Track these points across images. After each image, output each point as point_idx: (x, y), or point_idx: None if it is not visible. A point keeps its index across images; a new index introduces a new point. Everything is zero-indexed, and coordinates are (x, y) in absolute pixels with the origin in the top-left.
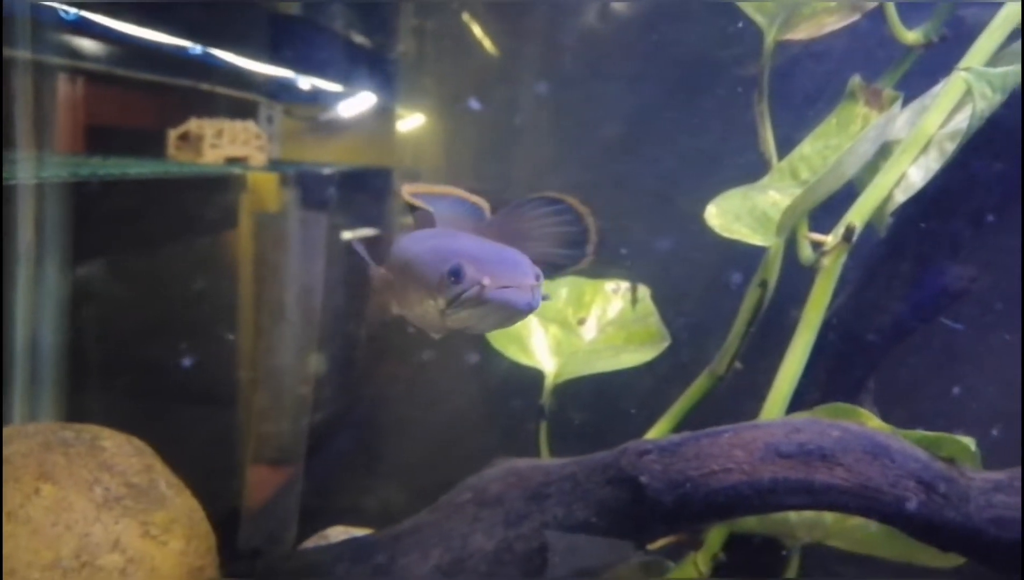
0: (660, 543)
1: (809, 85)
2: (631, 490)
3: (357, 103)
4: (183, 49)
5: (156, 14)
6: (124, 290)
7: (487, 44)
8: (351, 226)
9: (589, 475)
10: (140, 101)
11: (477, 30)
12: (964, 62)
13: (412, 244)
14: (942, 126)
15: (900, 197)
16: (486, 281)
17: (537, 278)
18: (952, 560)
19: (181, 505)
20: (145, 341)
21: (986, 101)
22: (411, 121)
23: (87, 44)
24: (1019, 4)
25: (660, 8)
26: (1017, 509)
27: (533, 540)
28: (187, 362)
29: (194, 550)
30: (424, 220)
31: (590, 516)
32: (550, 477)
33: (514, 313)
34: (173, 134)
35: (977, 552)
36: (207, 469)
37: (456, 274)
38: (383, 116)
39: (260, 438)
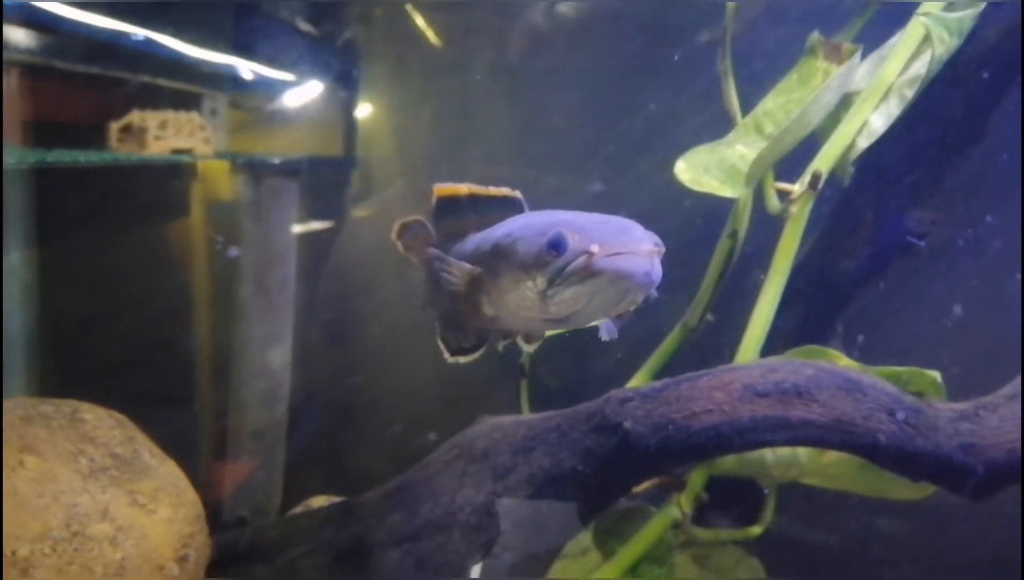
0: (644, 486)
1: (769, 45)
2: (616, 436)
3: (304, 92)
4: (123, 39)
5: (96, 4)
6: (82, 274)
7: (435, 31)
8: (302, 215)
9: (574, 425)
10: (79, 95)
11: (424, 17)
12: (922, 8)
13: (499, 227)
14: (902, 73)
15: (863, 144)
16: (594, 248)
17: (656, 244)
18: (922, 492)
19: (166, 474)
20: (111, 322)
21: (944, 45)
22: (359, 109)
23: (21, 35)
24: None
25: None
26: (983, 436)
27: (521, 490)
28: (153, 342)
29: (182, 517)
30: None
31: (576, 464)
32: (535, 430)
33: (631, 286)
34: (115, 126)
35: (946, 478)
36: (182, 448)
37: (557, 245)
38: (330, 105)
39: (229, 419)
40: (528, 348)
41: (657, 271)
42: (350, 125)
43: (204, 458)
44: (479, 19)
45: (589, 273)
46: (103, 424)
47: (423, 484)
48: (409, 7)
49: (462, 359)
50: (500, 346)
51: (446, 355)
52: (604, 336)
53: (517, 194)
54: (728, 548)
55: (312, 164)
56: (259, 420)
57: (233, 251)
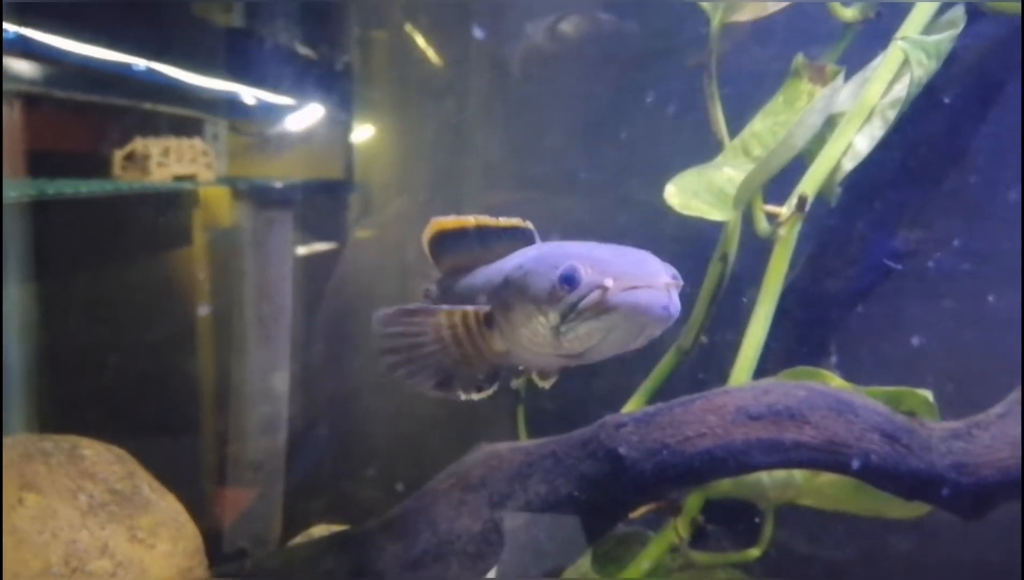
0: (641, 511)
1: (756, 67)
2: (611, 461)
3: (304, 116)
4: (125, 68)
5: (98, 31)
6: (83, 304)
7: (435, 52)
8: (304, 239)
9: (569, 451)
10: (82, 123)
11: (421, 40)
12: (901, 32)
13: (511, 258)
14: (884, 95)
15: (848, 165)
16: (608, 282)
17: (674, 277)
18: (917, 511)
19: (166, 508)
20: (112, 351)
21: (923, 68)
22: (359, 133)
23: (25, 66)
24: None
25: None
26: (976, 455)
27: (518, 518)
28: (152, 372)
29: (181, 551)
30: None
31: (572, 490)
32: (531, 457)
33: (648, 322)
34: (119, 154)
35: (940, 498)
36: (182, 479)
37: (570, 279)
38: (330, 129)
39: (228, 449)
40: (543, 384)
41: (675, 305)
42: (350, 148)
43: (205, 488)
44: (479, 42)
45: (604, 308)
46: (103, 459)
47: (420, 513)
48: (409, 28)
49: (476, 396)
50: (513, 383)
51: (459, 393)
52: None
53: (528, 225)
54: (727, 570)
55: (312, 187)
56: (258, 449)
57: (204, 309)
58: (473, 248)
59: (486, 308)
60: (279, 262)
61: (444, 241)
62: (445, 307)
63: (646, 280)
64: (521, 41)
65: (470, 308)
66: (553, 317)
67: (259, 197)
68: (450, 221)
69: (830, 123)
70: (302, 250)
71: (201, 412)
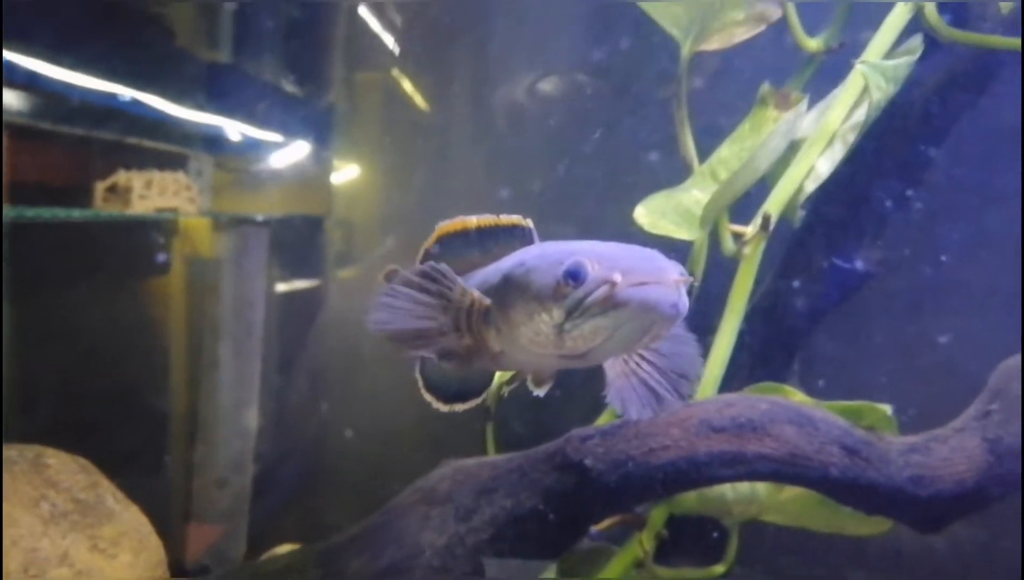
0: (605, 524)
1: (726, 97)
2: (576, 474)
3: (288, 153)
4: (110, 99)
5: (82, 62)
6: (60, 329)
7: (416, 95)
8: (283, 272)
9: (535, 465)
10: (66, 155)
11: (407, 83)
12: (861, 59)
13: (509, 258)
14: (845, 120)
15: (810, 187)
16: (617, 277)
17: (682, 274)
18: (878, 527)
19: (129, 519)
20: (85, 372)
21: (881, 92)
22: (343, 170)
23: (8, 96)
24: (907, 5)
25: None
26: (933, 468)
27: (483, 532)
28: (129, 390)
29: (143, 562)
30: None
31: (538, 503)
32: (497, 471)
33: (657, 319)
34: (101, 186)
35: (898, 510)
36: (148, 494)
37: (576, 274)
38: (315, 166)
39: (195, 467)
40: (538, 391)
41: (684, 302)
42: (333, 186)
43: (171, 504)
44: (463, 85)
45: (611, 304)
46: (67, 469)
47: (386, 528)
48: (396, 71)
49: (459, 407)
50: (504, 391)
51: (438, 405)
52: (631, 414)
53: (527, 223)
54: None
55: (293, 223)
56: (224, 467)
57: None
58: (471, 251)
59: (487, 301)
60: (254, 289)
61: (442, 246)
62: (461, 282)
63: (655, 276)
64: (504, 98)
65: (477, 294)
66: (557, 314)
67: (237, 229)
68: (453, 223)
69: (794, 147)
70: (281, 283)
71: (171, 429)
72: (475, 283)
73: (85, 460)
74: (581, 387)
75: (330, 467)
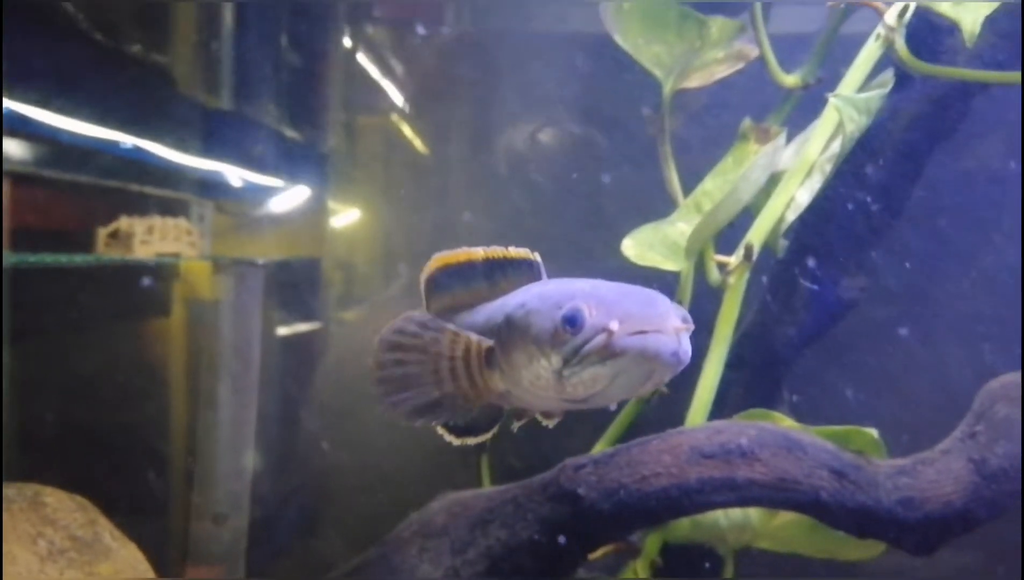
0: (600, 552)
1: (710, 134)
2: (570, 503)
3: (289, 198)
4: (111, 147)
5: (84, 110)
6: (59, 374)
7: (416, 139)
8: (282, 314)
9: (530, 496)
10: (68, 203)
11: (406, 128)
12: (836, 92)
13: (514, 295)
14: (823, 151)
15: (791, 217)
16: (614, 325)
17: (684, 320)
18: (871, 551)
19: (126, 556)
20: (84, 417)
21: (854, 123)
22: (343, 214)
23: (11, 144)
24: (879, 41)
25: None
26: (921, 490)
27: (479, 564)
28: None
29: None
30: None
31: (533, 534)
32: (493, 503)
33: (657, 368)
34: (103, 232)
35: (889, 533)
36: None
37: (573, 320)
38: (314, 209)
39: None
40: (548, 423)
41: (685, 350)
42: (334, 228)
43: (170, 544)
44: (462, 129)
45: (609, 353)
46: (64, 507)
47: (382, 562)
48: (395, 117)
49: (471, 441)
50: (514, 427)
51: (450, 438)
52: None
53: (535, 257)
54: None
55: (294, 265)
56: (222, 504)
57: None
58: (478, 284)
59: (488, 342)
60: (250, 328)
61: (444, 278)
62: (452, 327)
63: (655, 323)
64: (505, 147)
65: (474, 337)
66: (555, 360)
67: (233, 270)
68: (457, 254)
69: (775, 179)
70: (279, 324)
71: (170, 466)
72: (481, 319)
73: (83, 499)
74: (578, 417)
75: (328, 505)
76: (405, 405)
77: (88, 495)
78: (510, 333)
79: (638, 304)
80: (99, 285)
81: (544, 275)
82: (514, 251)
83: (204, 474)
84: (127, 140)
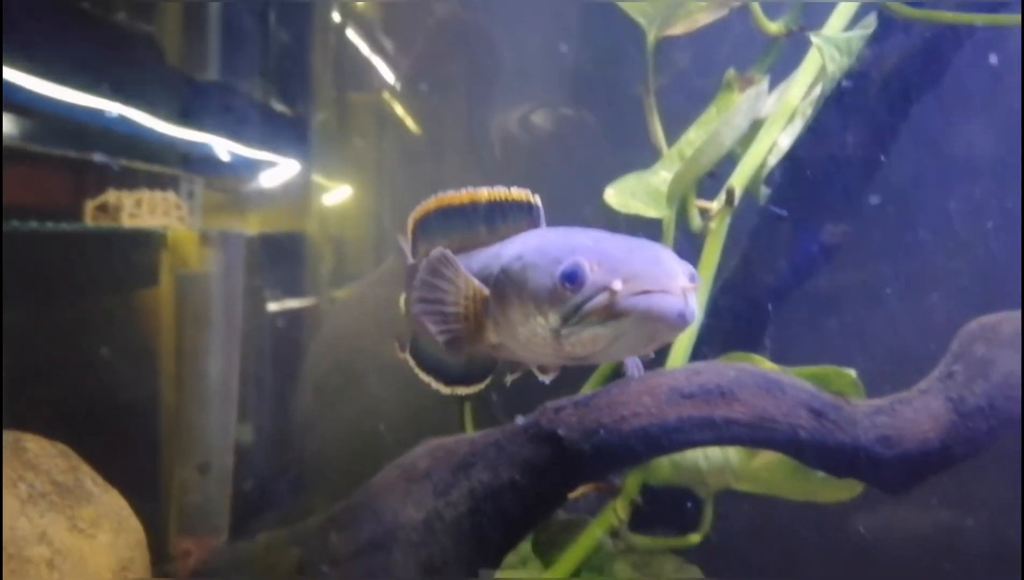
0: (580, 491)
1: (695, 89)
2: (551, 444)
3: (279, 173)
4: (98, 116)
5: (71, 79)
6: (46, 339)
7: (406, 116)
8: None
9: (512, 439)
10: (56, 178)
11: (397, 104)
12: (819, 34)
13: (511, 243)
14: (805, 96)
15: (773, 161)
16: (617, 285)
17: (692, 279)
18: (848, 492)
19: (108, 502)
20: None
21: (835, 64)
22: (334, 190)
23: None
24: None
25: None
26: (899, 428)
27: (461, 506)
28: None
29: (123, 543)
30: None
31: (515, 475)
32: (475, 446)
33: (661, 329)
34: (91, 204)
35: (867, 471)
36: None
37: (572, 277)
38: (304, 185)
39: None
40: (544, 378)
41: (692, 311)
42: (324, 204)
43: (153, 489)
44: (453, 105)
45: (611, 314)
46: (45, 453)
47: (366, 505)
48: (387, 95)
49: (461, 390)
50: (507, 381)
51: (439, 386)
52: (632, 371)
53: (536, 200)
54: (667, 556)
55: (280, 238)
56: (205, 453)
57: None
58: (478, 228)
59: (485, 291)
60: (234, 296)
61: (442, 219)
62: (465, 273)
63: (661, 282)
64: (498, 129)
65: (478, 284)
66: (553, 319)
67: (216, 239)
68: (460, 195)
69: (758, 126)
70: (268, 296)
71: (156, 419)
72: (477, 266)
73: (64, 446)
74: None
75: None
76: (441, 334)
77: (73, 447)
78: (506, 287)
79: (643, 261)
80: (87, 253)
81: (543, 222)
82: (516, 192)
83: (188, 424)
84: (112, 109)
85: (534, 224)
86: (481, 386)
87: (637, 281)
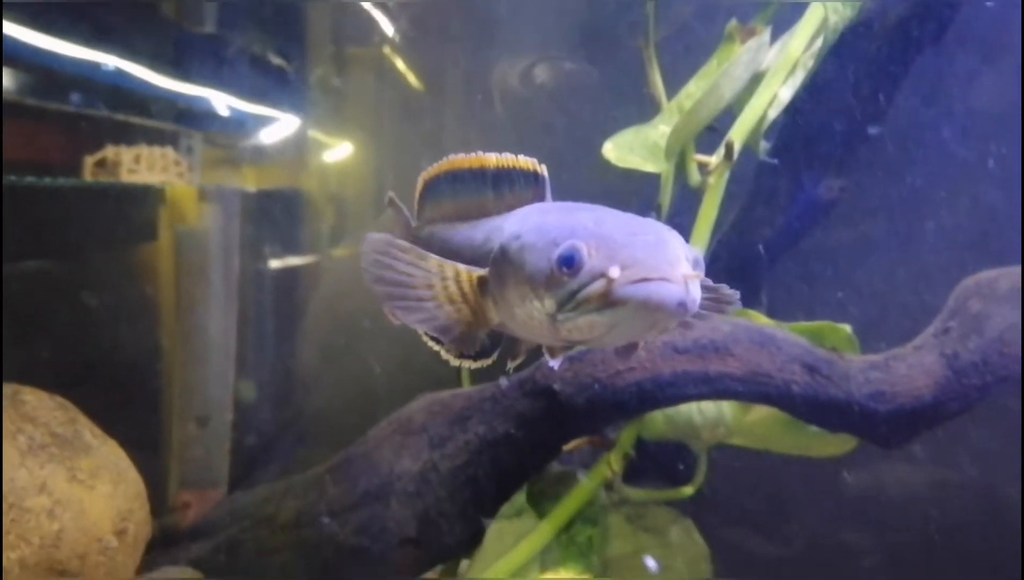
0: (574, 444)
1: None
2: (546, 398)
3: (277, 129)
4: (93, 70)
5: (68, 32)
6: (47, 294)
7: (414, 74)
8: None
9: (507, 393)
10: (55, 134)
11: (399, 60)
12: None
13: (511, 217)
14: (806, 49)
15: (773, 114)
16: (614, 272)
17: (696, 265)
18: (842, 447)
19: (107, 453)
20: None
21: (837, 15)
22: (331, 146)
23: None
24: None
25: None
26: (892, 384)
27: (457, 458)
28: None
29: (122, 494)
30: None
31: (510, 428)
32: (471, 401)
33: (660, 318)
34: (90, 160)
35: (860, 426)
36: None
37: (569, 261)
38: (304, 141)
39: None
40: (553, 361)
41: (693, 299)
42: (321, 160)
43: (153, 443)
44: (454, 66)
45: (608, 302)
46: (44, 406)
47: (362, 458)
48: (386, 49)
49: (468, 363)
50: (510, 367)
51: (447, 357)
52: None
53: (542, 170)
54: (661, 508)
55: (277, 195)
56: (205, 407)
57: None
58: (485, 194)
59: (480, 271)
60: (231, 250)
61: (448, 183)
62: (434, 257)
63: (661, 270)
64: (499, 83)
65: (463, 267)
66: (549, 304)
67: (213, 194)
68: (469, 159)
69: (759, 79)
70: (266, 251)
71: (155, 374)
72: (480, 237)
73: (62, 399)
74: None
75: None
76: (422, 325)
77: (73, 401)
78: (503, 266)
79: (644, 246)
80: (86, 208)
81: (548, 194)
82: (523, 160)
83: (187, 378)
84: (108, 62)
85: (539, 195)
86: (488, 361)
87: (636, 268)
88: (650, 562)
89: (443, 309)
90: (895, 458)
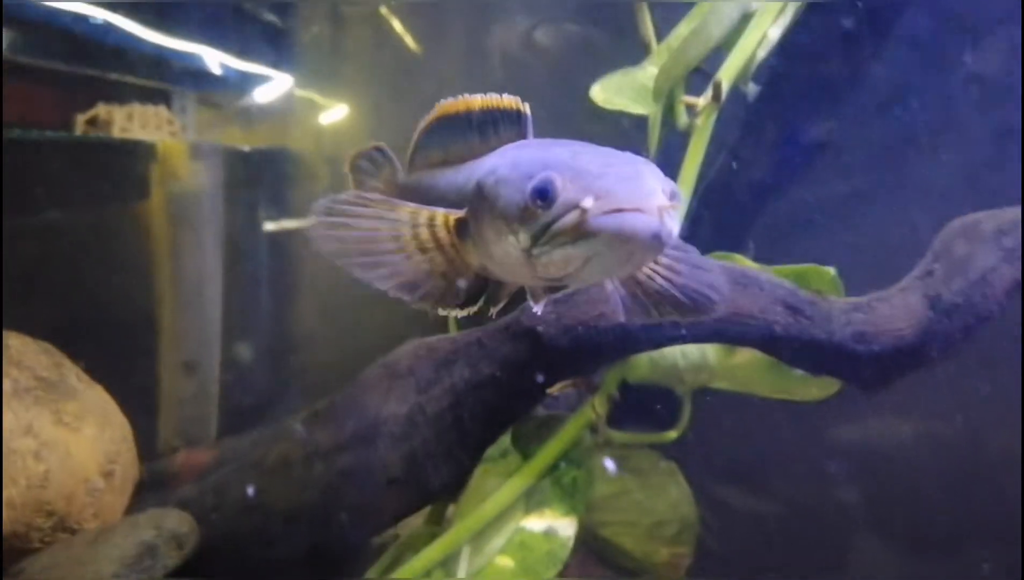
0: (559, 387)
1: None
2: (531, 340)
3: (271, 88)
4: (81, 23)
5: None
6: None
7: (410, 35)
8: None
9: (493, 336)
10: (46, 92)
11: (400, 21)
12: None
13: (490, 157)
14: None
15: (762, 54)
16: (588, 202)
17: (673, 197)
18: (824, 391)
19: (93, 397)
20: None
21: None
22: (325, 106)
23: None
24: None
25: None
26: (875, 325)
27: (443, 400)
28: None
29: (108, 437)
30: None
31: (495, 371)
32: (457, 345)
33: (636, 249)
34: (81, 118)
35: (841, 368)
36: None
37: (543, 193)
38: (297, 101)
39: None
40: (536, 306)
41: (668, 231)
42: (317, 120)
43: (141, 388)
44: (454, 28)
45: (581, 233)
46: (29, 350)
47: (350, 402)
48: (384, 11)
49: (454, 312)
50: (492, 313)
51: (436, 310)
52: (613, 295)
53: (525, 108)
54: (645, 451)
55: (276, 156)
56: (192, 353)
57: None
58: (471, 136)
59: (458, 213)
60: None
61: (438, 130)
62: (408, 204)
63: (636, 200)
64: (499, 46)
65: (440, 210)
66: (524, 238)
67: (197, 150)
68: (455, 103)
69: (747, 19)
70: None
71: (143, 321)
72: (461, 179)
73: (47, 344)
74: None
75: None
76: (383, 281)
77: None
78: (480, 203)
79: (619, 178)
80: (77, 163)
81: (531, 132)
82: (507, 99)
83: (174, 323)
84: (96, 15)
85: (522, 135)
86: (474, 308)
87: (610, 198)
88: (608, 463)
89: (411, 260)
90: (883, 409)
